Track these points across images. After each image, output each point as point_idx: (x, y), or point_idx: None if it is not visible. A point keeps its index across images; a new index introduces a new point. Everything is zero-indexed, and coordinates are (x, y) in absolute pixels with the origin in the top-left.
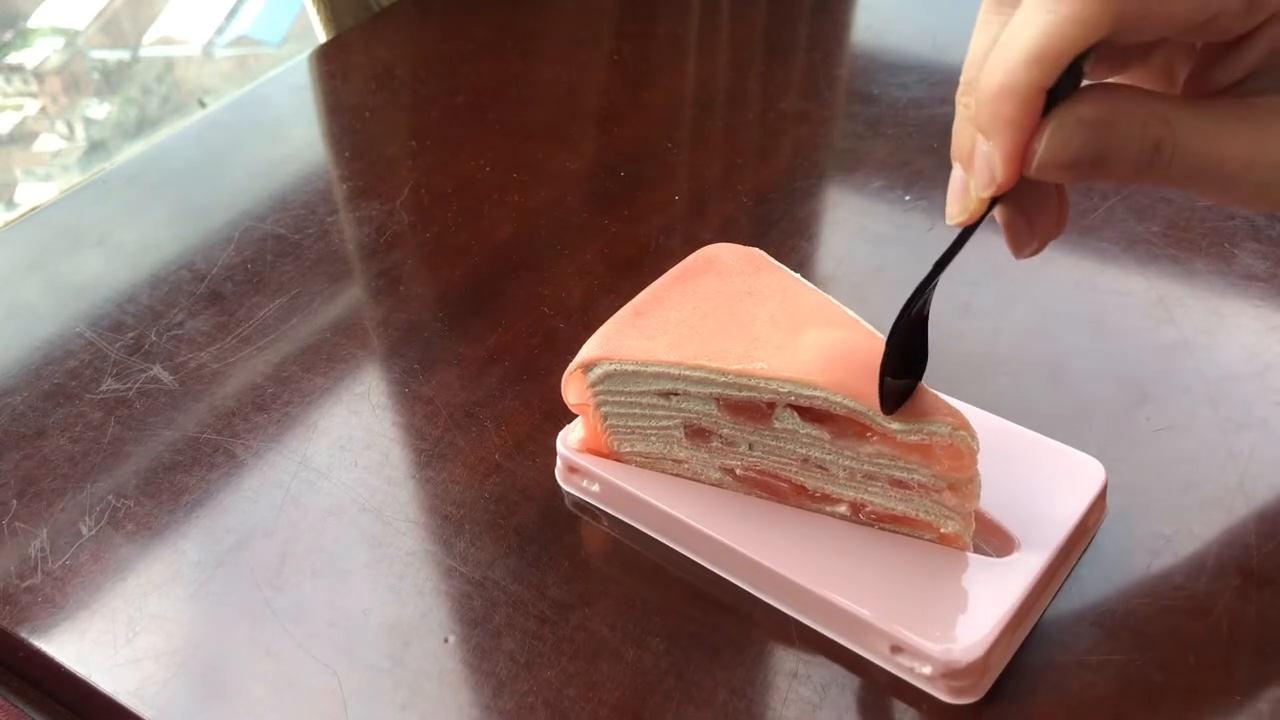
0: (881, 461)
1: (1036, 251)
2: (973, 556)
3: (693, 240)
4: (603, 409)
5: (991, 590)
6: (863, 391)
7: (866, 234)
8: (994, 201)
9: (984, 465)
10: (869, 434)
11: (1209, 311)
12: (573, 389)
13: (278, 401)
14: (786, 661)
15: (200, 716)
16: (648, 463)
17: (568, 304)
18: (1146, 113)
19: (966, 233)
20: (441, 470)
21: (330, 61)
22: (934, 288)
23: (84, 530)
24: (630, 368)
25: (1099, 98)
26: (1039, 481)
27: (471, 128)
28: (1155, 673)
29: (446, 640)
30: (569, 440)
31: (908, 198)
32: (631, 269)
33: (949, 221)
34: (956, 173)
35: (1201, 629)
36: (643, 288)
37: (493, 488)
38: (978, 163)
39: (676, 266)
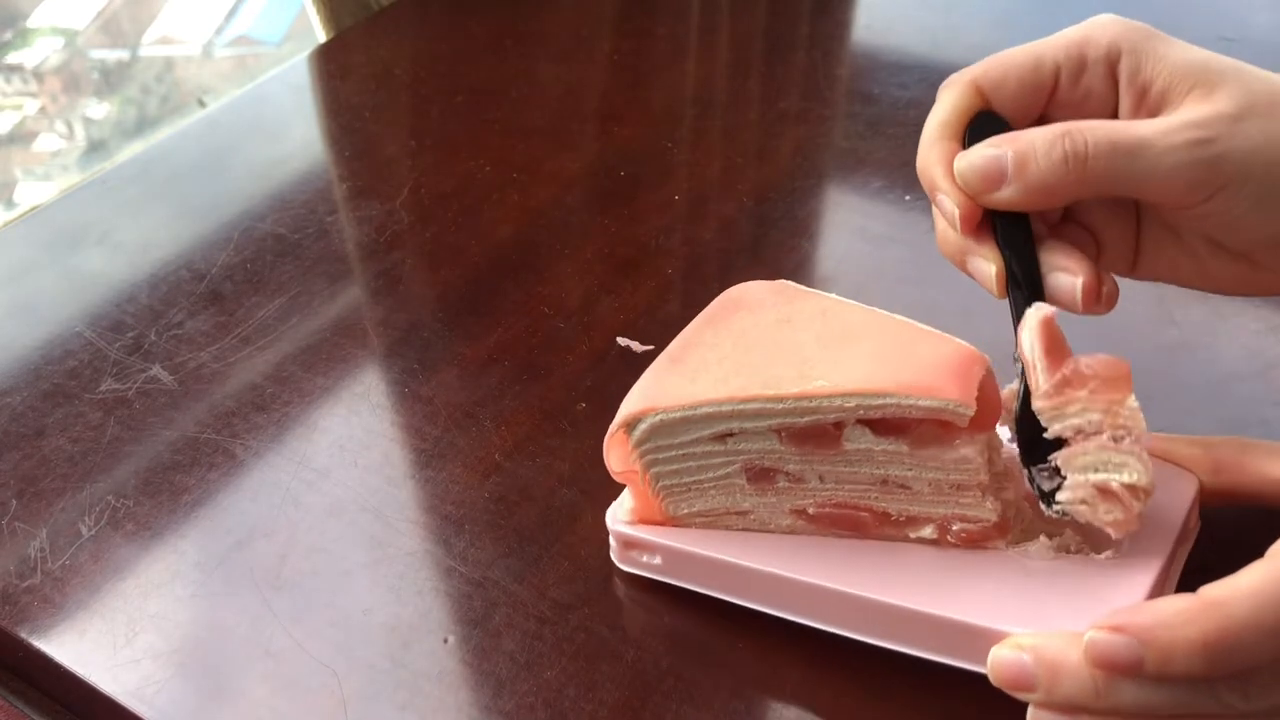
0: (970, 469)
1: (1109, 307)
2: (1074, 557)
3: (693, 240)
4: (653, 470)
5: (1110, 587)
6: (938, 389)
7: (866, 234)
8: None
9: None
10: (954, 437)
11: (1209, 311)
12: (616, 454)
13: (277, 401)
14: (786, 662)
15: (200, 716)
16: (709, 522)
17: (568, 304)
18: (1052, 128)
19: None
20: (441, 470)
21: (330, 61)
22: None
23: (83, 530)
24: (677, 415)
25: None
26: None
27: (471, 128)
28: None
29: (446, 640)
30: (619, 515)
31: (908, 198)
32: (631, 269)
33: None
34: (977, 265)
35: None
36: (643, 288)
37: (493, 488)
38: (942, 211)
39: (703, 312)
